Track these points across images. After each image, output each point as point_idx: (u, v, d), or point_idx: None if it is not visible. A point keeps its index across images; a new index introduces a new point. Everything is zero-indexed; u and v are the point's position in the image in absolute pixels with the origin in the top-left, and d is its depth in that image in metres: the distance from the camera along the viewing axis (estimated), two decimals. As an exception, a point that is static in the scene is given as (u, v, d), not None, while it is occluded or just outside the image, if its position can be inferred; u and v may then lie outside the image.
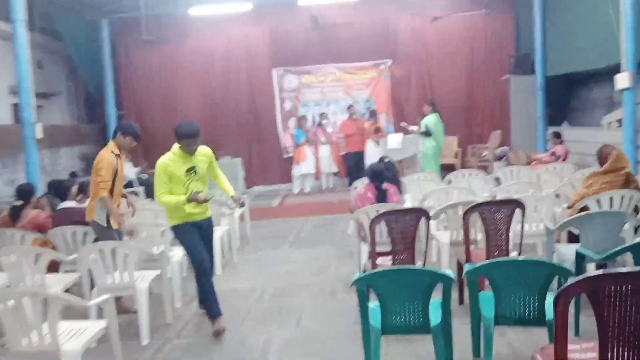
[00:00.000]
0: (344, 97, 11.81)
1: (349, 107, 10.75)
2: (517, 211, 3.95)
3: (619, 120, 8.34)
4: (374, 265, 3.93)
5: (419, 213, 3.90)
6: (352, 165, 10.72)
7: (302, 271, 5.85)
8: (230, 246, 6.55)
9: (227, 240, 6.58)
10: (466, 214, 3.97)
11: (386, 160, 5.86)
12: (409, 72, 11.75)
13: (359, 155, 10.64)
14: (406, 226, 3.85)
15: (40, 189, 8.60)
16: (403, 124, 9.85)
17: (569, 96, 10.94)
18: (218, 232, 6.11)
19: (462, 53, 11.65)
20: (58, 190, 7.01)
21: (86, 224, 5.01)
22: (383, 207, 4.78)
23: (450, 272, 2.84)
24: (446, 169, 10.17)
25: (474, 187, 6.51)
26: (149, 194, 9.81)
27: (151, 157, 11.59)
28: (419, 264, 3.98)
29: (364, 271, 4.27)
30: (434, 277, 2.74)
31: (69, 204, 5.41)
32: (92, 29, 11.24)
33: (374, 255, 3.94)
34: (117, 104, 11.87)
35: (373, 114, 10.66)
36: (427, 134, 9.36)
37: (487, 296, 2.91)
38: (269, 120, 11.89)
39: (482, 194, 6.16)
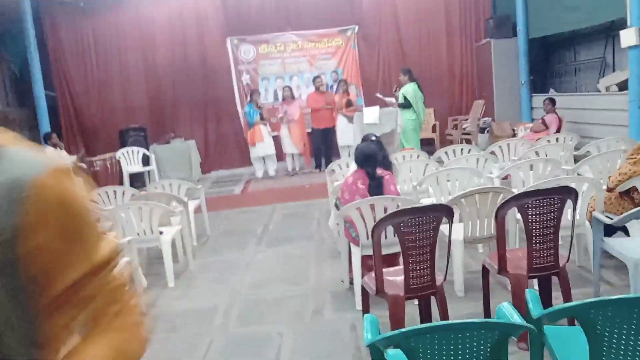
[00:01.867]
0: (308, 68, 10.60)
1: (315, 78, 9.56)
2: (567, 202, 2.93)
3: (619, 84, 7.50)
4: (381, 287, 2.85)
5: (441, 212, 2.83)
6: (319, 143, 9.59)
7: (275, 279, 4.73)
8: (185, 249, 5.36)
9: (181, 242, 5.40)
10: (502, 208, 2.93)
11: (372, 138, 4.75)
12: (377, 39, 10.63)
13: (328, 132, 9.52)
14: (424, 230, 2.78)
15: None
16: (378, 95, 8.76)
17: (551, 61, 10.07)
18: (167, 235, 4.93)
19: (435, 16, 10.61)
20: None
21: None
22: (380, 201, 3.70)
23: (522, 321, 1.80)
24: (424, 144, 9.20)
25: (472, 165, 5.52)
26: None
27: (90, 143, 10.16)
28: (438, 278, 2.93)
29: (362, 288, 3.19)
30: (508, 330, 1.69)
31: None
32: (11, -3, 9.59)
33: (379, 273, 2.85)
34: (47, 84, 10.29)
35: (344, 84, 9.50)
36: (405, 105, 8.32)
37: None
38: (226, 96, 10.58)
39: (487, 174, 5.18)
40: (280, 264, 5.17)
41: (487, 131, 9.55)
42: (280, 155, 9.71)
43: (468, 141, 9.51)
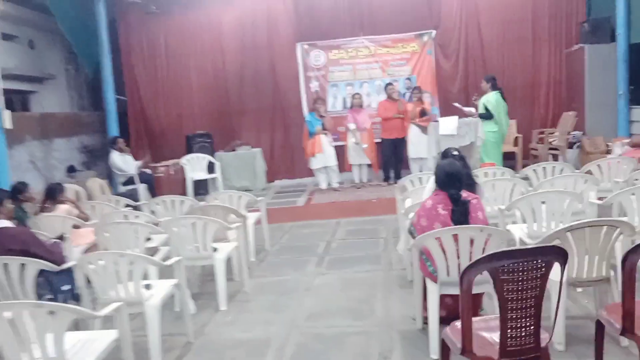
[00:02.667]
0: (381, 75, 10.03)
1: (388, 85, 8.96)
2: None
3: None
4: (469, 346, 2.25)
5: (552, 255, 2.19)
6: (389, 155, 8.98)
7: (337, 310, 4.19)
8: (241, 267, 4.95)
9: (237, 259, 4.99)
10: (634, 252, 2.25)
11: (454, 153, 4.14)
12: (457, 44, 9.89)
13: (399, 143, 8.90)
14: (530, 278, 2.16)
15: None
16: (456, 104, 8.04)
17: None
18: (222, 253, 4.52)
19: (520, 20, 9.74)
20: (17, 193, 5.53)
21: (26, 252, 3.47)
22: (465, 231, 3.10)
23: None
24: (505, 158, 8.37)
25: (570, 187, 4.77)
26: (152, 191, 8.31)
27: (156, 148, 10.08)
28: (543, 337, 2.29)
29: (441, 341, 2.59)
30: None
31: (4, 222, 3.85)
32: (86, 2, 9.68)
33: (466, 328, 2.25)
34: (118, 88, 10.34)
35: (418, 91, 8.84)
36: (486, 116, 7.57)
37: None
38: (293, 103, 10.20)
39: (588, 199, 4.42)
40: (343, 290, 4.63)
41: (577, 146, 8.61)
42: (343, 166, 9.19)
43: (555, 157, 8.59)
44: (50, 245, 3.71)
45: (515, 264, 2.16)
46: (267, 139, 10.33)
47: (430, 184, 4.26)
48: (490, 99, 7.59)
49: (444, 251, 3.13)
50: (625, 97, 8.57)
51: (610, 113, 8.76)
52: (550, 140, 8.97)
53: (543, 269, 2.18)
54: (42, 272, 3.51)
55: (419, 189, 5.10)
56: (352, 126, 8.77)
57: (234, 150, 9.82)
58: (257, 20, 10.16)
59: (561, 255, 2.22)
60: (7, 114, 6.17)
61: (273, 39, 10.13)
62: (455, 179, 3.32)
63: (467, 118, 7.49)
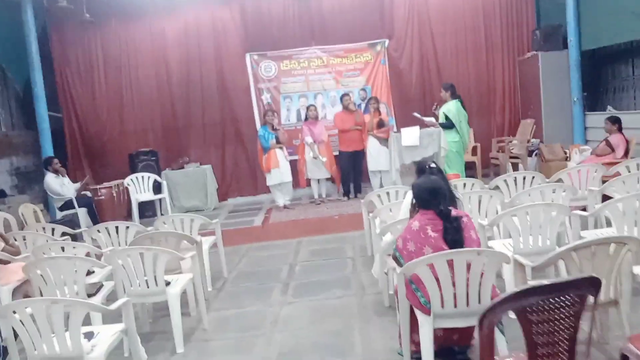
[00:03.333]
0: (334, 86, 9.71)
1: (344, 95, 8.61)
2: None
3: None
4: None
5: (586, 288, 1.83)
6: (347, 168, 8.62)
7: (311, 347, 3.72)
8: (198, 300, 4.40)
9: (193, 291, 4.45)
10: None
11: (431, 165, 3.78)
12: (410, 53, 9.71)
13: (357, 155, 8.56)
14: (562, 317, 1.79)
15: None
16: (416, 114, 7.78)
17: (603, 76, 9.04)
18: (176, 287, 3.98)
19: (473, 28, 9.67)
20: None
21: None
22: (461, 255, 2.72)
23: None
24: (465, 168, 8.18)
25: (548, 198, 4.53)
26: (94, 216, 7.58)
27: (97, 169, 9.33)
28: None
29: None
30: None
31: None
32: (14, 12, 8.87)
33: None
34: (52, 105, 9.52)
35: (375, 101, 8.54)
36: (447, 125, 7.35)
37: None
38: (245, 116, 9.70)
39: (575, 211, 4.16)
40: (315, 322, 4.17)
41: (536, 154, 8.53)
42: (298, 182, 8.75)
43: (515, 166, 8.48)
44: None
45: (546, 302, 1.79)
46: (217, 155, 9.77)
47: (406, 201, 3.89)
48: (451, 108, 7.37)
49: (437, 279, 2.74)
50: (580, 103, 8.59)
51: (566, 120, 8.77)
52: (510, 148, 8.87)
53: (577, 305, 1.82)
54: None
55: (391, 205, 4.72)
56: (309, 140, 8.36)
57: (182, 167, 9.20)
58: (203, 29, 9.63)
59: (595, 286, 1.87)
60: None
61: (221, 49, 9.63)
62: (439, 194, 2.96)
63: (428, 128, 7.23)
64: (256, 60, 9.63)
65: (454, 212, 2.93)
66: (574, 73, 8.56)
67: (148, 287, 3.90)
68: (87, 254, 4.54)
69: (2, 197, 8.92)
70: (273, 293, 5.00)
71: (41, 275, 3.83)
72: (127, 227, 5.28)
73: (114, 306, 3.07)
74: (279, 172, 8.25)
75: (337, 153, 8.77)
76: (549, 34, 8.76)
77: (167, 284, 4.01)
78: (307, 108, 8.70)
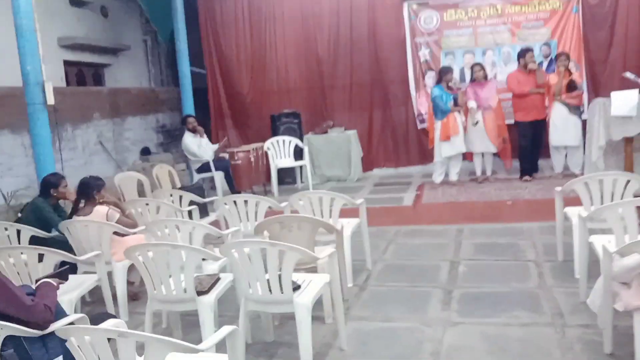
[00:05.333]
0: (510, 40, 7.97)
1: (525, 51, 6.87)
2: None
3: None
4: None
5: None
6: (526, 143, 6.96)
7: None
8: (335, 306, 3.37)
9: (329, 296, 3.43)
10: None
11: None
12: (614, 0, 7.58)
13: (538, 127, 6.86)
14: None
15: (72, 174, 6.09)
16: (629, 74, 5.88)
17: None
18: (306, 295, 2.97)
19: None
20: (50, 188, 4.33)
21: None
22: None
23: None
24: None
25: None
26: (230, 181, 6.97)
27: (239, 129, 8.74)
28: None
29: None
30: None
31: None
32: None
33: None
34: (198, 61, 9.10)
35: (565, 58, 6.71)
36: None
37: None
38: (398, 76, 8.40)
39: None
40: (494, 357, 2.92)
41: None
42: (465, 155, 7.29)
43: None
44: (29, 301, 2.28)
45: None
46: (364, 119, 8.63)
47: None
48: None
49: None
50: None
51: None
52: None
53: None
54: (12, 339, 2.14)
55: (619, 206, 3.21)
56: (472, 104, 6.85)
57: (325, 132, 8.25)
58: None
59: None
60: (49, 87, 4.96)
61: (374, -3, 8.35)
62: None
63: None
64: (415, 11, 8.22)
65: None
66: None
67: (271, 292, 2.94)
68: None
69: (146, 154, 8.78)
70: (431, 303, 3.82)
71: (144, 262, 3.06)
72: (257, 203, 4.43)
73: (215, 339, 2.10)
74: (457, 141, 6.87)
75: (510, 122, 7.13)
76: None
77: (297, 288, 3.02)
78: (472, 67, 7.13)
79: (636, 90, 5.11)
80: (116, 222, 4.01)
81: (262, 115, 8.66)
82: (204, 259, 3.57)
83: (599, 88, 7.58)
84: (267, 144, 7.73)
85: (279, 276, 2.92)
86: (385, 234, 5.66)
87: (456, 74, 7.90)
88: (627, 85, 5.95)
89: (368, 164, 8.55)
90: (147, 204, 4.75)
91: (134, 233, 4.11)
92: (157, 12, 8.80)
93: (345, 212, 4.45)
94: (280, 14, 8.75)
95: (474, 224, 5.72)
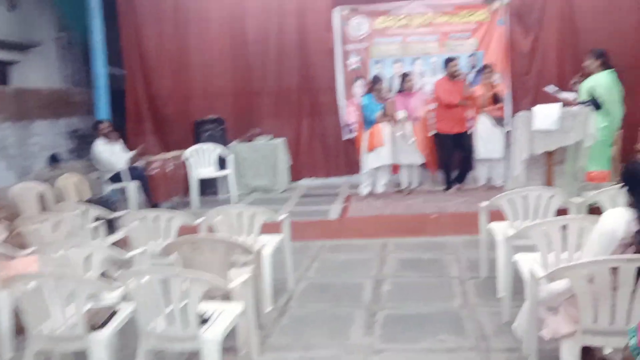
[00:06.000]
0: (437, 49, 7.98)
1: (449, 61, 6.89)
2: None
3: None
4: None
5: None
6: (447, 154, 6.96)
7: None
8: (249, 337, 3.07)
9: (244, 326, 3.12)
10: None
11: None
12: (539, 11, 7.75)
13: (462, 139, 6.88)
14: None
15: None
16: (549, 88, 5.99)
17: None
18: (215, 330, 2.66)
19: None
20: None
21: None
22: None
23: None
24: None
25: None
26: (147, 191, 6.50)
27: (159, 135, 8.26)
28: None
29: None
30: None
31: None
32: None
33: None
34: (116, 60, 8.50)
35: (489, 70, 6.81)
36: (593, 105, 5.51)
37: None
38: (327, 84, 8.21)
39: None
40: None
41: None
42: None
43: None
44: None
45: None
46: (292, 127, 8.37)
47: (604, 228, 2.33)
48: (601, 81, 5.52)
49: None
50: None
51: None
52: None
53: None
54: None
55: (548, 226, 3.11)
56: (401, 114, 6.78)
57: (251, 140, 7.93)
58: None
59: None
60: None
61: (305, 2, 8.12)
62: None
63: (573, 107, 5.42)
64: (345, 16, 8.07)
65: None
66: None
67: (174, 328, 2.60)
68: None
69: (55, 161, 8.09)
70: (354, 327, 3.61)
71: (24, 295, 2.64)
72: (170, 219, 4.06)
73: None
74: (382, 152, 6.73)
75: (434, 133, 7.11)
76: None
77: (205, 321, 2.71)
78: (402, 77, 7.08)
79: (558, 105, 5.17)
80: (3, 242, 3.52)
81: (184, 121, 8.20)
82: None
83: (523, 100, 7.71)
84: (188, 153, 7.29)
85: (184, 308, 2.60)
86: (309, 250, 5.42)
87: (385, 83, 7.81)
88: (550, 97, 6.06)
89: (296, 174, 8.30)
90: (44, 221, 4.25)
91: (24, 256, 3.62)
92: (73, 5, 8.12)
93: (268, 227, 4.17)
94: (207, 15, 8.33)
95: (399, 238, 5.60)
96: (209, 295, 2.82)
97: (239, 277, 3.04)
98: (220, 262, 3.21)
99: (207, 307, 2.84)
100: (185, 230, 3.98)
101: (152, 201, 6.56)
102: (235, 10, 8.26)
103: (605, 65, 5.62)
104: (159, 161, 6.76)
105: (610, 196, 3.80)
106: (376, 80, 6.87)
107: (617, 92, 5.59)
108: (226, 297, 3.15)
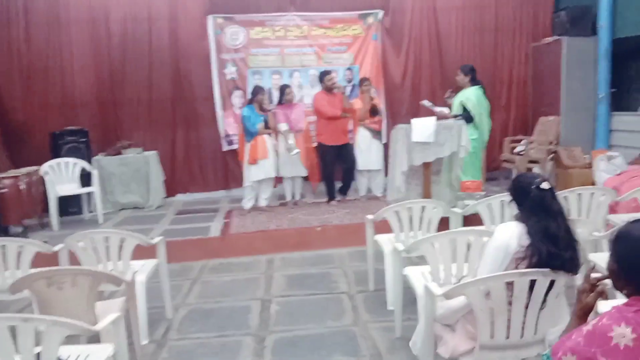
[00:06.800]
0: (315, 62, 7.98)
1: (324, 74, 6.86)
2: None
3: None
4: None
5: None
6: (331, 166, 6.95)
7: None
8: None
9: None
10: None
11: (542, 186, 2.23)
12: (408, 30, 8.09)
13: (344, 151, 6.89)
14: None
15: None
16: (426, 103, 6.19)
17: (636, 71, 7.72)
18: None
19: (483, 6, 8.15)
20: None
21: None
22: None
23: None
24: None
25: None
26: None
27: (9, 150, 7.28)
28: None
29: None
30: None
31: None
32: None
33: None
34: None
35: (367, 84, 6.92)
36: (465, 118, 5.79)
37: None
38: (203, 94, 7.81)
39: None
40: None
41: (551, 159, 7.15)
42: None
43: (529, 171, 7.05)
44: None
45: None
46: (166, 139, 7.85)
47: (498, 242, 2.30)
48: (470, 96, 5.84)
49: None
50: (607, 101, 7.23)
51: (589, 120, 7.41)
52: (519, 150, 7.45)
53: None
54: None
55: (440, 239, 3.08)
56: (284, 127, 6.62)
57: (119, 153, 7.28)
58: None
59: None
60: None
61: (177, 7, 7.68)
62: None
63: (448, 120, 5.63)
64: (220, 25, 7.76)
65: None
66: (602, 65, 7.17)
67: (25, 384, 2.13)
68: None
69: None
70: (241, 356, 3.32)
71: None
72: (21, 248, 3.46)
73: None
74: (266, 165, 6.46)
75: (315, 145, 7.06)
76: (577, 17, 7.33)
77: (64, 369, 2.26)
78: (283, 90, 6.90)
79: (432, 118, 5.34)
80: None
81: (40, 134, 7.31)
82: None
83: (397, 113, 7.97)
84: (45, 168, 6.47)
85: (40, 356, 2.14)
86: (189, 272, 5.02)
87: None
88: (423, 110, 6.28)
89: (171, 189, 7.77)
90: None
91: None
92: None
93: (141, 249, 3.73)
94: (65, 18, 7.51)
95: (285, 253, 5.42)
96: (71, 338, 2.39)
97: (107, 315, 2.61)
98: (85, 297, 2.75)
99: (70, 352, 2.40)
100: (42, 260, 3.43)
101: (1, 225, 5.69)
102: (97, 13, 7.55)
103: (474, 81, 5.95)
104: (9, 178, 5.87)
105: (487, 206, 3.93)
106: (257, 91, 6.64)
107: (485, 106, 5.94)
108: (94, 337, 2.71)
